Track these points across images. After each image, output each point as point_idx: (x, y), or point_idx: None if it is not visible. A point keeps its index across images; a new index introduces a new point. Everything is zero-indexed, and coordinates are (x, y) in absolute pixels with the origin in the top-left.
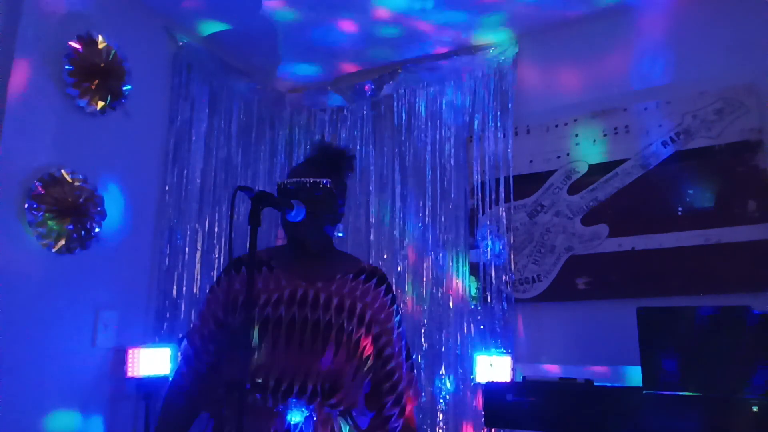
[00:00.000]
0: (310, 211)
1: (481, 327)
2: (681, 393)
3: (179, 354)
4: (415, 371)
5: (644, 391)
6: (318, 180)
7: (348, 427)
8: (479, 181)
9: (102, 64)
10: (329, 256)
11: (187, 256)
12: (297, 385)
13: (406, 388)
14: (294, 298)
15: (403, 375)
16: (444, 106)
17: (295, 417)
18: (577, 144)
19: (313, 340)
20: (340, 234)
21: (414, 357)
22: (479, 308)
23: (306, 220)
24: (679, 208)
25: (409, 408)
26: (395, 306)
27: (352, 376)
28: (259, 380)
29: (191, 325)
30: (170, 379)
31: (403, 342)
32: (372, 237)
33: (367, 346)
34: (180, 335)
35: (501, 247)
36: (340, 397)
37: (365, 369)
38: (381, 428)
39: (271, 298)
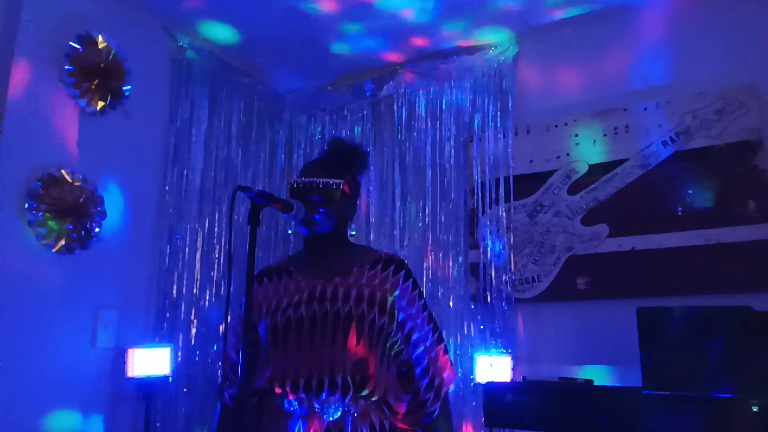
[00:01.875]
0: (321, 211)
1: (481, 327)
2: (681, 393)
3: (221, 377)
4: (449, 353)
5: (644, 391)
6: (331, 180)
7: (388, 422)
8: (479, 181)
9: (102, 64)
10: (344, 252)
11: (187, 256)
12: (326, 379)
13: (439, 371)
14: (313, 296)
15: (433, 358)
16: (444, 106)
17: (334, 415)
18: (577, 144)
19: (334, 332)
20: (353, 233)
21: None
22: (479, 308)
23: (320, 220)
24: (679, 208)
25: (444, 391)
26: (417, 290)
27: (380, 364)
28: (290, 382)
29: (227, 344)
30: (220, 403)
31: (432, 325)
32: (372, 237)
33: (393, 333)
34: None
35: (501, 247)
36: (372, 387)
37: (393, 355)
38: (418, 412)
39: (293, 300)
